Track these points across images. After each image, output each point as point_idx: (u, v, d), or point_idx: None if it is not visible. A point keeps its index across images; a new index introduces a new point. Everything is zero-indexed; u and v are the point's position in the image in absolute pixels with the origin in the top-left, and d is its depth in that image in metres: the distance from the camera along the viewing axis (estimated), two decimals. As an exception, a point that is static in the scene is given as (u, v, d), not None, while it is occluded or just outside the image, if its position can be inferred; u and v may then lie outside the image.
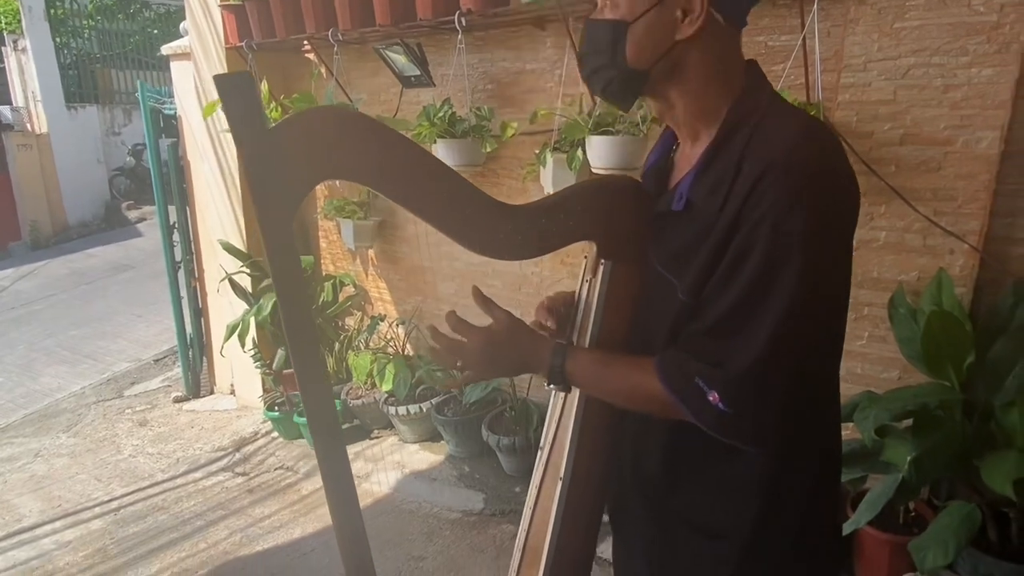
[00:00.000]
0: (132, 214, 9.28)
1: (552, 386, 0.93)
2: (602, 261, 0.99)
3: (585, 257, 1.05)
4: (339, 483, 0.93)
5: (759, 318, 0.73)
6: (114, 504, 2.91)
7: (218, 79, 0.80)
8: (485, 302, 0.96)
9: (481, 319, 0.98)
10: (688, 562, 0.92)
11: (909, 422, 1.69)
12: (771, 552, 0.87)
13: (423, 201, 0.91)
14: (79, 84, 9.24)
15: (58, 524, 2.77)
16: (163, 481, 3.09)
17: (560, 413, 1.05)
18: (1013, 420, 1.58)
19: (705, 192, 0.80)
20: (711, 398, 0.75)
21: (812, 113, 1.72)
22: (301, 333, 0.89)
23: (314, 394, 0.90)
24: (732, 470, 0.85)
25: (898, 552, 1.78)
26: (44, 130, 8.69)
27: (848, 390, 1.96)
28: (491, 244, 0.94)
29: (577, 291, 1.05)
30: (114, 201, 9.44)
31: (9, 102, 8.77)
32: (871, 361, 1.96)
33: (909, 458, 1.60)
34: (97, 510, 2.87)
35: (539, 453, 1.10)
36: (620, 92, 0.87)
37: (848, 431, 1.78)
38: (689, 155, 0.88)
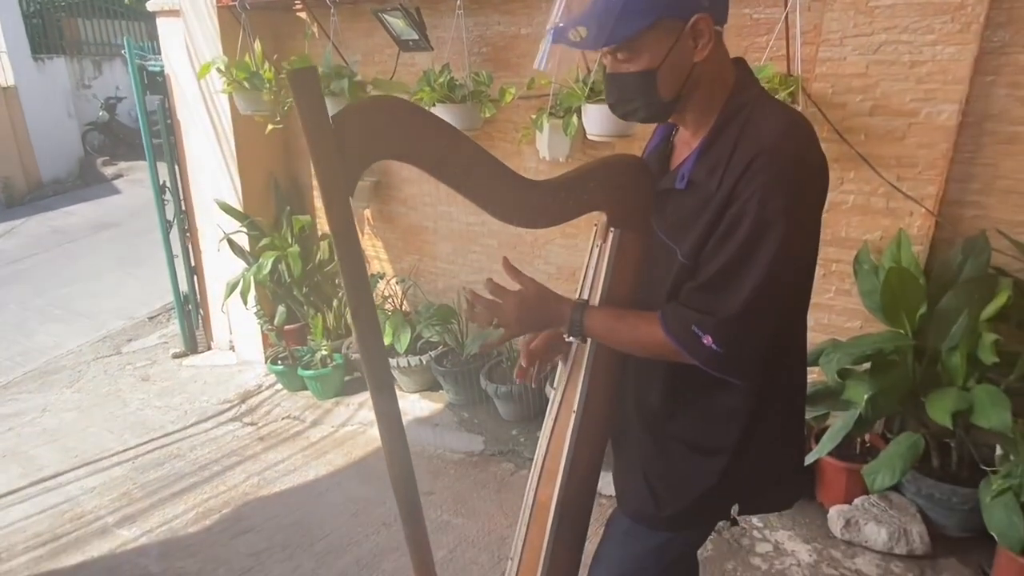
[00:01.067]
0: (108, 170, 9.11)
1: (571, 338, 1.11)
2: (611, 229, 1.15)
3: (595, 225, 1.21)
4: (392, 430, 1.10)
5: (745, 273, 0.90)
6: (130, 453, 3.07)
7: (291, 75, 0.92)
8: (514, 271, 1.12)
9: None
10: (682, 473, 1.12)
11: (867, 365, 1.92)
12: (751, 465, 1.08)
13: (462, 178, 1.05)
14: (44, 34, 8.89)
15: (80, 472, 2.93)
16: (174, 432, 3.25)
17: (572, 359, 1.23)
18: (955, 362, 1.81)
19: (704, 173, 0.97)
20: (705, 341, 0.93)
21: (791, 85, 1.87)
22: (361, 297, 1.03)
23: (374, 358, 1.05)
24: (720, 400, 1.05)
25: (853, 477, 2.03)
26: (11, 83, 8.40)
27: (815, 338, 2.19)
28: (519, 214, 1.09)
29: (588, 255, 1.21)
30: (88, 157, 9.23)
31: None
32: (837, 312, 2.17)
33: (866, 396, 1.83)
34: (115, 459, 3.03)
35: (552, 393, 1.28)
36: (657, 118, 1.03)
37: (815, 374, 2.02)
38: (689, 140, 1.04)
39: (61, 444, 3.23)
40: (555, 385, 1.28)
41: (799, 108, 1.84)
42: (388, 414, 1.10)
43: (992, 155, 1.91)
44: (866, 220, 2.05)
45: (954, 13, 1.76)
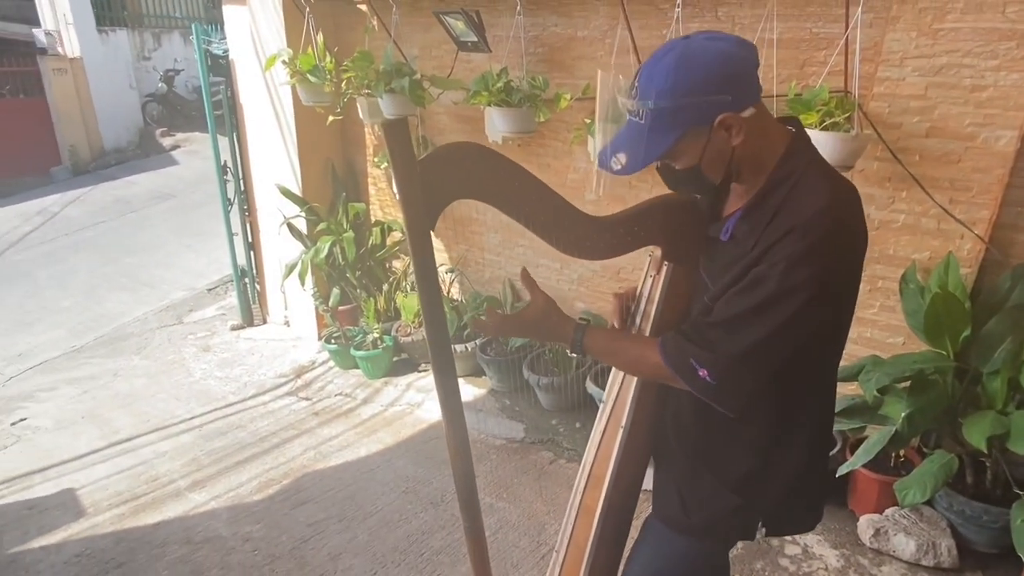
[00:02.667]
0: (166, 141, 9.46)
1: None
2: (665, 263, 1.24)
3: (650, 255, 1.30)
4: (452, 412, 1.21)
5: (755, 326, 0.98)
6: (196, 421, 3.31)
7: (386, 124, 1.03)
8: (529, 284, 1.21)
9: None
10: (708, 491, 1.22)
11: (907, 383, 1.97)
12: (773, 491, 1.17)
13: (532, 216, 1.15)
14: (108, 7, 9.21)
15: (152, 436, 3.19)
16: (235, 403, 3.48)
17: (623, 378, 1.33)
18: (996, 386, 1.85)
19: (745, 231, 1.04)
20: (701, 373, 1.02)
21: (848, 109, 1.89)
22: (434, 310, 1.14)
23: (444, 374, 1.17)
24: (743, 429, 1.14)
25: (886, 490, 2.09)
26: (77, 54, 8.77)
27: (857, 351, 2.24)
28: (581, 248, 1.19)
29: (641, 283, 1.31)
30: (148, 127, 9.61)
31: (37, 24, 8.80)
32: (880, 328, 2.21)
33: (903, 414, 1.88)
34: (183, 426, 3.28)
35: (601, 406, 1.39)
36: (713, 192, 1.12)
37: (853, 387, 2.07)
38: (741, 193, 1.11)
39: (133, 409, 3.50)
40: (604, 399, 1.39)
41: (854, 131, 1.87)
42: (450, 395, 1.19)
43: (1050, 182, 1.90)
44: (915, 240, 2.07)
45: (1020, 39, 1.75)
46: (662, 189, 1.20)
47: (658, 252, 1.26)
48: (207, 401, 3.52)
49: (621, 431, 1.29)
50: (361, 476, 2.73)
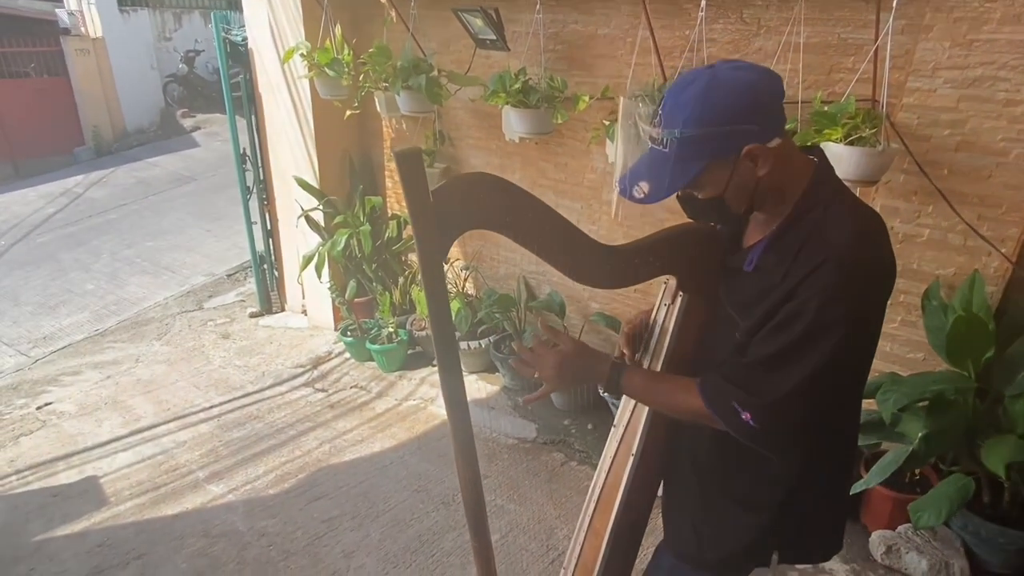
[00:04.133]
0: (187, 123, 9.53)
1: (607, 394, 1.20)
2: (680, 293, 1.22)
3: (665, 283, 1.28)
4: (458, 411, 1.20)
5: (794, 366, 0.96)
6: (215, 411, 3.38)
7: (398, 155, 1.02)
8: (553, 332, 1.21)
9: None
10: (726, 525, 1.22)
11: (925, 402, 1.93)
12: (792, 523, 1.17)
13: (546, 247, 1.14)
14: (130, -14, 9.23)
15: (172, 425, 3.26)
16: (253, 392, 3.54)
17: (635, 403, 1.32)
18: (1018, 409, 1.81)
19: (772, 263, 1.02)
20: (744, 417, 1.01)
21: (876, 123, 1.83)
22: (445, 342, 1.15)
23: (451, 385, 1.17)
24: (767, 463, 1.13)
25: (900, 506, 2.08)
26: (99, 34, 8.81)
27: (877, 366, 2.19)
28: (594, 277, 1.18)
29: (654, 312, 1.29)
30: (168, 108, 9.67)
31: (60, 3, 8.85)
32: (900, 343, 2.17)
33: (921, 434, 1.86)
34: (202, 415, 3.35)
35: (612, 430, 1.39)
36: (736, 223, 1.10)
37: (871, 403, 2.04)
38: (763, 222, 1.09)
39: (154, 396, 3.57)
40: (615, 423, 1.39)
41: (880, 146, 1.81)
42: (456, 396, 1.19)
43: (1084, 200, 1.84)
44: (941, 256, 2.02)
45: (1060, 53, 1.68)
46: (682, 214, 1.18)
47: (673, 281, 1.24)
48: (226, 390, 3.58)
49: (632, 458, 1.29)
50: (374, 472, 2.77)
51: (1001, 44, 1.75)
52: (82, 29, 8.82)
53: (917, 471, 2.16)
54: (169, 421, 3.30)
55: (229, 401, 3.45)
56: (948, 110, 1.88)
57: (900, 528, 2.11)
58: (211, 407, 3.41)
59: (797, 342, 0.95)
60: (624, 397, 1.36)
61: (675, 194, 1.08)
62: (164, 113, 9.63)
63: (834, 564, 2.13)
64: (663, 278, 1.28)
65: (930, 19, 1.84)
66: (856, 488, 1.99)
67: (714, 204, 1.02)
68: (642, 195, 1.01)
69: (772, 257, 1.03)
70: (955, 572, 1.98)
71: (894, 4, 1.81)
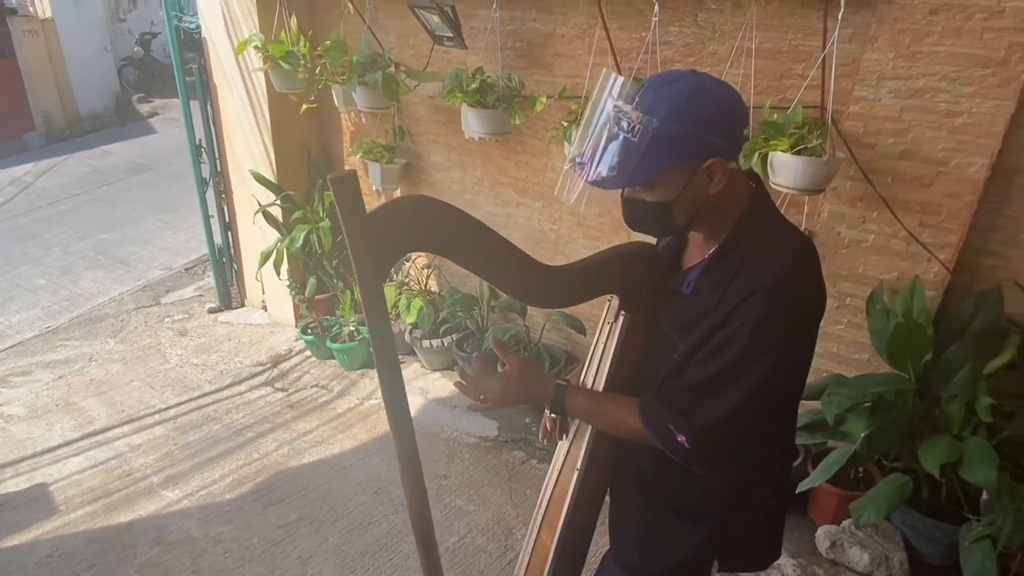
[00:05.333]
0: (144, 108, 9.21)
1: (553, 415, 1.22)
2: (622, 312, 1.23)
3: (609, 301, 1.29)
4: (397, 410, 1.19)
5: (728, 390, 0.99)
6: (171, 412, 3.31)
7: (333, 181, 1.00)
8: (502, 350, 1.22)
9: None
10: (668, 537, 1.25)
11: (868, 402, 2.00)
12: (732, 534, 1.20)
13: (488, 269, 1.14)
14: (79, -36, 8.82)
15: (126, 428, 3.18)
16: (211, 392, 3.47)
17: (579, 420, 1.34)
18: (954, 410, 1.88)
19: (708, 287, 1.04)
20: (679, 439, 1.03)
21: (822, 133, 1.86)
22: (387, 364, 1.14)
23: (388, 380, 1.16)
24: (706, 479, 1.16)
25: (844, 503, 2.15)
26: (48, 15, 8.43)
27: (824, 366, 2.26)
28: (536, 297, 1.19)
29: (599, 328, 1.30)
30: (124, 92, 9.33)
31: (7, -19, 8.44)
32: (846, 344, 2.23)
33: (863, 434, 1.92)
34: (157, 417, 3.28)
35: (559, 444, 1.40)
36: (670, 235, 1.12)
37: (816, 404, 2.10)
38: (701, 244, 1.10)
39: (108, 397, 3.48)
40: (562, 437, 1.40)
41: (825, 156, 1.84)
42: (395, 392, 1.16)
43: (1019, 209, 1.90)
44: (884, 260, 2.07)
45: (996, 67, 1.73)
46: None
47: (615, 301, 1.25)
48: (182, 390, 3.51)
49: (576, 473, 1.31)
50: (334, 475, 2.76)
51: (942, 56, 1.79)
52: (30, 9, 8.42)
53: (861, 469, 2.24)
54: (123, 424, 3.22)
55: (186, 402, 3.39)
56: (892, 119, 1.92)
57: (844, 523, 2.18)
58: (167, 408, 3.34)
59: (730, 368, 0.98)
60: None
61: (622, 192, 1.06)
62: (119, 98, 9.28)
63: (782, 559, 2.20)
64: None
65: (875, 29, 1.87)
66: (802, 486, 2.05)
67: (660, 211, 1.01)
68: (599, 178, 0.98)
69: (709, 281, 1.05)
70: (895, 565, 2.06)
71: (840, 13, 1.83)
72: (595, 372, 1.28)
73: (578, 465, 1.31)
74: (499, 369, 1.29)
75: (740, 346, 0.96)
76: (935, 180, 1.91)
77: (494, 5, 2.48)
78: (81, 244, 5.67)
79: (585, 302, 1.21)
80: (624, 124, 0.95)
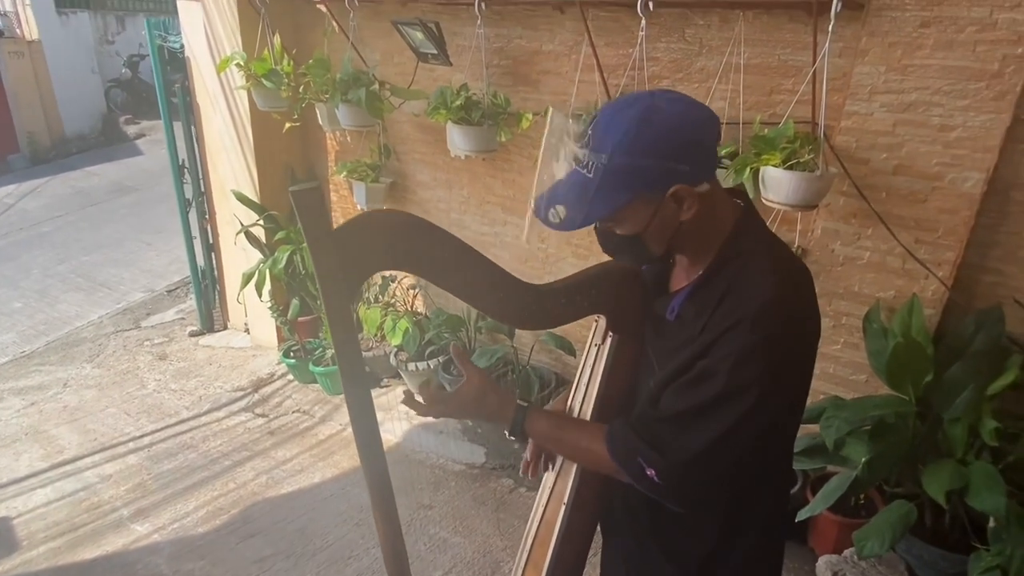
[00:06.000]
0: (130, 129, 9.15)
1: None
2: (610, 333, 1.16)
3: (596, 321, 1.21)
4: (368, 438, 1.09)
5: (703, 426, 0.90)
6: (146, 440, 3.18)
7: (295, 195, 0.93)
8: (462, 360, 1.12)
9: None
10: (656, 572, 1.15)
11: (868, 425, 1.92)
12: (725, 573, 1.11)
13: (463, 287, 1.06)
14: (68, -13, 8.83)
15: (97, 457, 3.05)
16: (189, 419, 3.35)
17: (566, 449, 1.25)
18: (956, 433, 1.81)
19: (692, 314, 0.97)
20: (648, 472, 0.95)
21: (814, 148, 1.82)
22: (359, 396, 1.06)
23: (357, 406, 1.07)
24: (695, 517, 1.07)
25: (846, 531, 2.06)
26: (35, 37, 8.39)
27: (821, 387, 2.19)
28: (519, 318, 1.10)
29: (585, 350, 1.22)
30: (111, 114, 9.27)
31: (-5, 4, 8.42)
32: (843, 364, 2.16)
33: (864, 459, 1.84)
34: (131, 445, 3.15)
35: (545, 475, 1.31)
36: (652, 263, 1.04)
37: (815, 426, 2.02)
38: (687, 267, 1.03)
39: (80, 424, 3.35)
40: (547, 468, 1.31)
41: (818, 171, 1.79)
42: (363, 420, 1.09)
43: (1017, 224, 1.86)
44: (880, 278, 2.01)
45: (990, 80, 1.69)
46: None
47: (602, 321, 1.18)
48: (159, 417, 3.38)
49: (563, 509, 1.21)
50: (314, 505, 2.64)
51: (935, 70, 1.76)
52: (17, 31, 8.38)
53: (862, 495, 2.15)
54: (95, 453, 3.09)
55: (162, 429, 3.26)
56: (885, 134, 1.87)
57: (846, 552, 2.09)
58: (142, 436, 3.21)
59: (708, 402, 0.89)
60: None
61: (594, 225, 1.01)
62: (106, 119, 9.22)
63: (782, 591, 2.10)
64: (594, 315, 1.21)
65: (866, 43, 1.84)
66: (802, 514, 1.96)
67: (632, 243, 0.95)
68: (558, 220, 0.92)
69: (692, 308, 0.97)
70: (899, 597, 1.97)
71: (830, 27, 1.79)
72: (581, 398, 1.20)
73: (565, 499, 1.21)
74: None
75: (720, 380, 0.88)
76: (930, 195, 1.86)
77: (479, 21, 2.44)
78: (61, 266, 5.55)
79: (571, 323, 1.13)
80: (577, 163, 0.90)
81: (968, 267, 1.94)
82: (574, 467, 1.21)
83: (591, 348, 1.21)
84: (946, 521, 2.01)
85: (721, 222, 0.95)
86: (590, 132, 0.90)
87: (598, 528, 1.27)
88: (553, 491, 1.26)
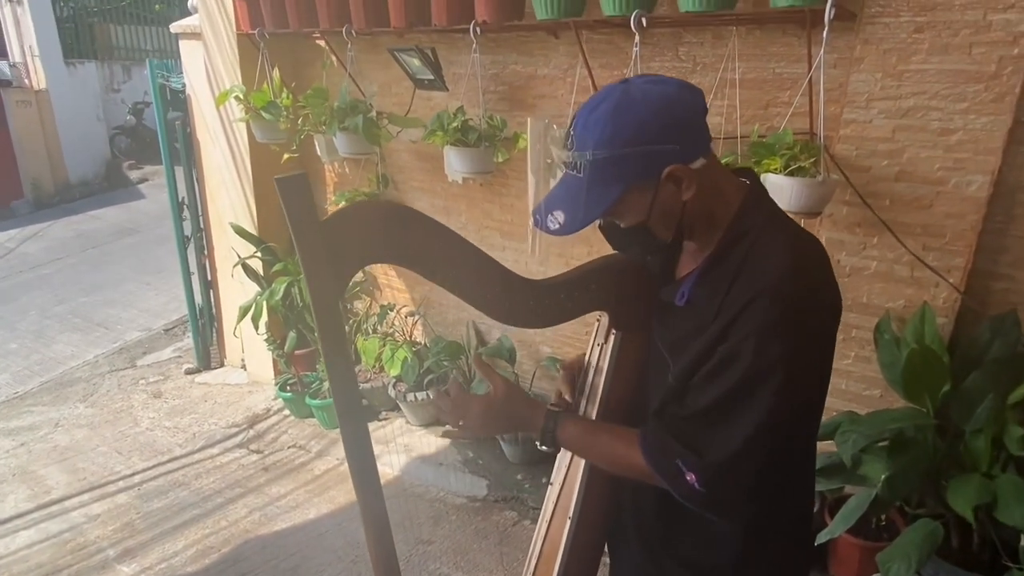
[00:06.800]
0: (134, 174, 9.26)
1: (543, 447, 1.04)
2: (613, 331, 1.10)
3: (597, 320, 1.16)
4: (364, 472, 1.04)
5: (737, 418, 0.84)
6: (137, 478, 3.08)
7: (280, 182, 0.90)
8: (485, 369, 1.07)
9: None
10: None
11: (886, 441, 1.84)
12: None
13: (457, 281, 1.01)
14: (77, 39, 9.08)
15: (85, 497, 2.94)
16: (181, 456, 3.25)
17: (570, 458, 1.18)
18: (979, 446, 1.72)
19: (704, 296, 0.91)
20: (688, 478, 0.87)
21: (814, 153, 1.80)
22: (348, 402, 1.00)
23: (351, 432, 1.01)
24: (713, 523, 0.99)
25: (868, 556, 1.95)
26: (43, 86, 8.59)
27: (833, 404, 2.11)
28: (516, 315, 1.05)
29: (588, 351, 1.16)
30: (115, 160, 9.40)
31: (5, 57, 8.63)
32: (855, 379, 2.09)
33: (883, 476, 1.75)
34: (121, 484, 3.04)
35: (549, 488, 1.23)
36: (664, 253, 0.99)
37: (829, 444, 1.94)
38: (694, 251, 0.98)
39: (70, 464, 3.25)
40: (551, 481, 1.23)
41: (820, 176, 1.77)
42: (359, 453, 1.03)
43: (1025, 228, 1.82)
44: (889, 288, 1.96)
45: (988, 82, 1.68)
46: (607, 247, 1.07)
47: (605, 318, 1.12)
48: (151, 455, 3.28)
49: (569, 522, 1.13)
50: (308, 543, 2.52)
51: (931, 74, 1.75)
52: (25, 81, 8.58)
53: (883, 516, 2.05)
54: (83, 492, 2.98)
55: (153, 467, 3.16)
56: (885, 140, 1.86)
57: (870, 579, 1.98)
58: (132, 474, 3.11)
59: (736, 390, 0.83)
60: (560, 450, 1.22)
61: (597, 224, 0.97)
62: (110, 165, 9.35)
63: (804, 623, 1.97)
64: (595, 315, 1.16)
65: (860, 51, 1.84)
66: (822, 537, 1.86)
67: (639, 233, 0.91)
68: (557, 226, 0.90)
69: (704, 291, 0.92)
70: (930, 626, 1.84)
71: (824, 38, 1.79)
72: (584, 402, 1.13)
73: (570, 513, 1.14)
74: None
75: (746, 361, 0.82)
76: (935, 201, 1.83)
77: (474, 46, 2.46)
78: (59, 307, 5.52)
79: (571, 320, 1.08)
80: (566, 166, 0.88)
81: (978, 274, 1.89)
82: (579, 479, 1.13)
83: (593, 349, 1.15)
84: (974, 542, 1.90)
85: (727, 198, 0.91)
86: (571, 134, 0.88)
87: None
88: (557, 505, 1.18)
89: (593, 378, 1.13)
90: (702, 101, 0.88)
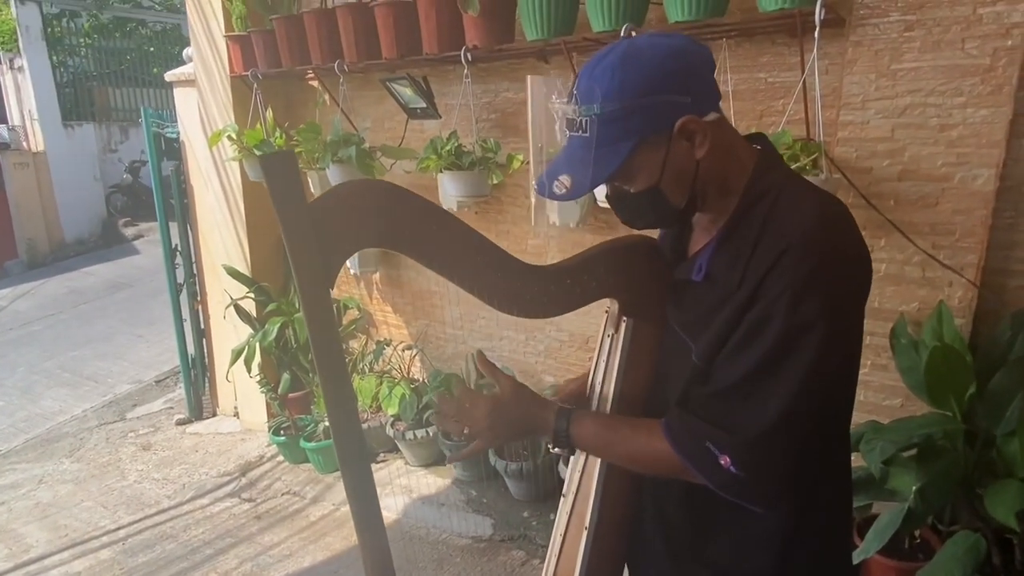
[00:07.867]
0: (129, 231, 9.28)
1: (557, 449, 0.96)
2: (624, 318, 1.03)
3: (607, 311, 1.09)
4: (368, 515, 0.94)
5: (773, 386, 0.76)
6: (122, 533, 2.91)
7: (263, 160, 0.84)
8: (489, 368, 0.99)
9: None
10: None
11: (913, 450, 1.74)
12: None
13: (454, 266, 0.95)
14: (76, 102, 9.25)
15: (66, 555, 2.77)
16: (170, 508, 3.09)
17: (584, 462, 1.08)
18: (1013, 450, 1.63)
19: (724, 266, 0.85)
20: (722, 462, 0.79)
21: (813, 151, 1.77)
22: (338, 395, 0.91)
23: (351, 462, 0.93)
24: (751, 520, 0.89)
25: (904, 578, 1.81)
26: (41, 148, 8.70)
27: (853, 417, 2.01)
28: (519, 304, 0.98)
29: (599, 344, 1.09)
30: (111, 218, 9.44)
31: (5, 121, 8.77)
32: (874, 389, 2.00)
33: (915, 488, 1.64)
34: (105, 539, 2.87)
35: (562, 500, 1.13)
36: (677, 223, 0.94)
37: (853, 457, 1.83)
38: (707, 225, 0.92)
39: (52, 521, 3.08)
40: (564, 492, 1.13)
41: (822, 175, 1.74)
42: (363, 497, 0.94)
43: (1036, 221, 1.78)
44: (901, 290, 1.90)
45: (984, 75, 1.67)
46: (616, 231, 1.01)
47: (615, 306, 1.05)
48: (138, 508, 3.12)
49: (585, 533, 1.03)
50: (304, 592, 2.36)
51: (925, 71, 1.74)
52: (23, 143, 8.69)
53: (917, 533, 1.92)
54: (64, 549, 2.82)
55: (139, 520, 3.00)
56: (884, 140, 1.83)
57: (909, 604, 1.83)
58: (117, 529, 2.94)
59: (770, 355, 0.76)
60: (576, 453, 1.12)
61: (605, 193, 0.92)
62: (106, 223, 9.37)
63: (842, 657, 1.82)
64: (605, 305, 1.09)
65: (852, 54, 1.83)
66: (857, 556, 1.73)
67: (651, 197, 0.85)
68: (564, 190, 0.84)
69: (723, 259, 0.85)
70: (979, 653, 1.69)
71: (815, 39, 1.79)
72: (596, 397, 1.05)
73: (587, 522, 1.04)
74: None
75: (779, 324, 0.75)
76: (941, 198, 1.79)
77: (465, 71, 2.47)
78: (48, 363, 5.40)
79: (578, 308, 1.01)
80: (569, 123, 0.83)
81: (992, 271, 1.84)
82: (594, 483, 1.04)
83: (604, 339, 1.08)
84: (1016, 558, 1.77)
85: (741, 161, 0.86)
86: (575, 91, 0.83)
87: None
88: (572, 515, 1.08)
89: (605, 371, 1.05)
90: (710, 56, 0.84)
